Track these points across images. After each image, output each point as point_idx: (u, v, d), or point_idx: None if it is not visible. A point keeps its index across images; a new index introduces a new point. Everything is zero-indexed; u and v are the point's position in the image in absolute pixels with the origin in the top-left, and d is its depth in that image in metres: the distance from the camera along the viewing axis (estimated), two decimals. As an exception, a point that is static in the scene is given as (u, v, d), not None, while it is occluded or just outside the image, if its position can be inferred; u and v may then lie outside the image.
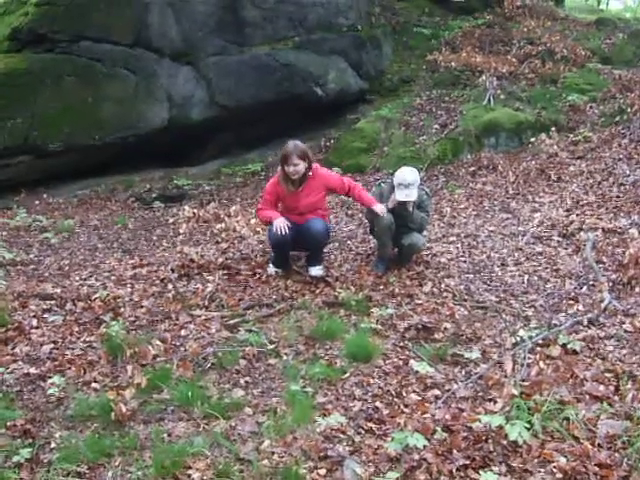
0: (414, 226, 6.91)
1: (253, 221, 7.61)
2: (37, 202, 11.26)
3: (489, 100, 12.66)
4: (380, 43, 15.06)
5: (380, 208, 6.72)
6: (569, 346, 5.13)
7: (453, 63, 14.05)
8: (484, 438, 3.97)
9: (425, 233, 7.35)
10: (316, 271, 6.91)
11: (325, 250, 7.30)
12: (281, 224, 6.59)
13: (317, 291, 6.55)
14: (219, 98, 12.88)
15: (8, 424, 4.20)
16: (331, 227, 7.38)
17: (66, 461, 3.82)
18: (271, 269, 7.02)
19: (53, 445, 4.04)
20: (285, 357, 5.24)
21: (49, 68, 11.48)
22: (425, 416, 4.28)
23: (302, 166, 6.64)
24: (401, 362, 5.16)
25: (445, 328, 5.67)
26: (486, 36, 15.52)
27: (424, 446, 3.84)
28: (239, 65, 13.04)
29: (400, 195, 6.71)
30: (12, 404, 4.49)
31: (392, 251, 7.13)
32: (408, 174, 6.75)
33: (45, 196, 11.53)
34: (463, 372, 4.99)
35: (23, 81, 11.14)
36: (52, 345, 5.40)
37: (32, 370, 4.97)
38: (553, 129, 11.69)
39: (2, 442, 4.01)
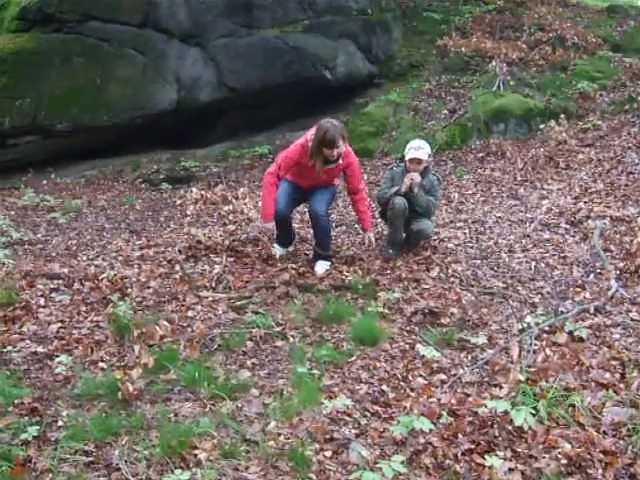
0: (421, 210, 6.89)
1: (261, 203, 7.59)
2: (45, 182, 11.28)
3: (499, 86, 12.62)
4: (390, 27, 14.99)
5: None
6: (575, 333, 5.14)
7: (463, 48, 13.96)
8: (489, 423, 3.98)
9: (434, 219, 7.34)
10: (321, 267, 6.68)
11: (332, 234, 7.18)
12: (266, 230, 6.86)
13: (324, 274, 6.54)
14: (227, 80, 12.84)
15: (16, 402, 4.20)
16: (332, 198, 7.09)
17: (73, 439, 3.83)
18: (275, 249, 6.98)
19: (60, 423, 4.05)
20: (292, 339, 5.25)
21: (57, 48, 11.47)
22: (431, 400, 4.29)
23: (342, 147, 6.36)
24: (407, 346, 5.17)
25: (452, 313, 5.68)
26: (497, 22, 15.42)
27: (430, 430, 3.85)
28: (248, 47, 13.00)
29: (413, 153, 6.86)
30: (20, 382, 4.49)
31: (402, 237, 7.11)
32: (418, 140, 7.18)
33: (53, 176, 11.55)
34: (469, 357, 5.00)
35: (31, 61, 11.14)
36: (59, 324, 5.40)
37: (39, 349, 4.97)
38: (562, 116, 11.63)
39: (10, 420, 4.02)
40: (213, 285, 6.24)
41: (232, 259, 6.87)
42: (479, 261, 6.91)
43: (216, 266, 6.65)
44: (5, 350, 4.91)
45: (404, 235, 7.09)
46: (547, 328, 5.25)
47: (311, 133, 6.39)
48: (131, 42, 12.06)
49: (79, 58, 11.53)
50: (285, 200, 6.64)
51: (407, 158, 6.92)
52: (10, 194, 10.47)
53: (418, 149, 6.89)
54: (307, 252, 7.07)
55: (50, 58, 11.30)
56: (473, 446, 3.79)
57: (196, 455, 3.70)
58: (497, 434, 3.89)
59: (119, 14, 12.05)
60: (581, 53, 13.98)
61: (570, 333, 5.15)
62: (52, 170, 11.67)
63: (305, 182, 6.71)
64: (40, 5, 11.66)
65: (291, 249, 7.17)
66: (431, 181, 6.98)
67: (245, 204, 8.19)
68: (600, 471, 3.60)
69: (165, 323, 5.29)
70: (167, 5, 12.40)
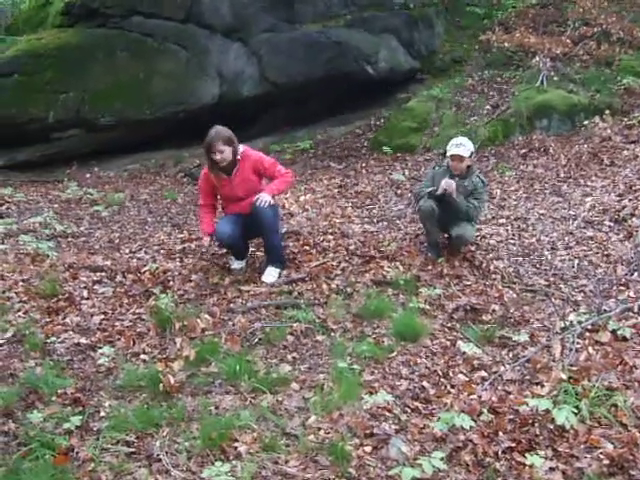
0: (461, 215, 6.71)
1: (302, 198, 7.58)
2: (88, 175, 11.40)
3: (542, 81, 12.45)
4: (432, 22, 14.88)
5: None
6: (619, 332, 5.08)
7: (506, 43, 13.76)
8: (530, 421, 3.96)
9: (476, 222, 7.18)
10: (269, 275, 6.32)
11: (285, 245, 6.86)
12: (205, 244, 6.70)
13: (365, 270, 6.52)
14: (269, 75, 12.85)
15: (59, 392, 4.28)
16: (278, 209, 6.65)
17: (115, 430, 3.89)
18: (234, 264, 6.66)
19: (102, 414, 4.11)
20: (333, 334, 5.26)
21: (101, 43, 11.59)
22: (472, 397, 4.28)
23: (228, 152, 6.10)
24: (448, 343, 5.16)
25: (493, 310, 5.65)
26: (540, 16, 15.20)
27: (470, 427, 3.84)
28: (290, 42, 12.99)
29: (454, 150, 6.70)
30: (63, 373, 4.57)
31: (442, 237, 7.01)
32: (461, 137, 7.03)
33: (96, 169, 11.67)
34: (511, 355, 4.98)
35: (75, 55, 11.27)
36: (102, 316, 5.48)
37: (82, 340, 5.05)
38: (607, 112, 11.45)
39: (53, 409, 4.09)
40: (254, 279, 6.26)
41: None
42: (521, 258, 6.86)
43: (257, 260, 6.68)
44: (49, 341, 5.00)
45: (444, 235, 6.99)
46: (590, 327, 5.20)
47: None
48: (174, 37, 12.16)
49: (123, 53, 11.66)
50: (228, 226, 6.35)
51: (448, 154, 6.79)
52: (54, 187, 10.61)
53: (459, 146, 6.71)
54: (347, 247, 7.03)
55: (94, 53, 11.43)
56: (514, 444, 3.77)
57: (236, 448, 3.74)
58: (538, 433, 3.86)
59: (162, 9, 12.16)
60: (627, 48, 13.71)
61: (613, 332, 5.09)
62: (95, 164, 11.80)
63: (234, 206, 6.48)
64: (84, 0, 11.79)
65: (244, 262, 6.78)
66: (474, 183, 6.74)
67: (286, 199, 8.21)
68: (643, 472, 3.56)
69: (206, 316, 5.34)
70: (210, 0, 12.47)
